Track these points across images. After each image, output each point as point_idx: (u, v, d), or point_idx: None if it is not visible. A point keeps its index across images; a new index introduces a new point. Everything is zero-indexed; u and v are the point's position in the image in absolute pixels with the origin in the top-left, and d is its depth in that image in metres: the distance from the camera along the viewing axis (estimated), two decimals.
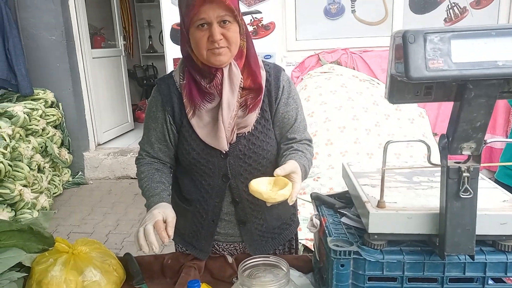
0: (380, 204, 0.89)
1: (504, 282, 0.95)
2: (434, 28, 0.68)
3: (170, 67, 3.67)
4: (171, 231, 1.03)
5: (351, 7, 3.60)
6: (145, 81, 6.47)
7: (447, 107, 3.65)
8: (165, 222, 1.05)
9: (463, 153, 0.78)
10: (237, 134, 1.18)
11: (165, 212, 1.08)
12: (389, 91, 0.76)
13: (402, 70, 0.69)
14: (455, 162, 0.81)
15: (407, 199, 0.93)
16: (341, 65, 3.54)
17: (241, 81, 1.14)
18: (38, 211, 3.15)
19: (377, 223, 0.88)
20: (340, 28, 3.63)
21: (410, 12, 3.57)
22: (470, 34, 0.68)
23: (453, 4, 3.53)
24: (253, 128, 1.19)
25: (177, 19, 3.59)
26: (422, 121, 3.32)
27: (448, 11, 3.55)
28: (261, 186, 1.01)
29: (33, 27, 3.80)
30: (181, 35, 1.17)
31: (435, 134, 3.43)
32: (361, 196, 0.95)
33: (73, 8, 3.92)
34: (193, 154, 1.19)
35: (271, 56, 3.59)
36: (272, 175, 1.27)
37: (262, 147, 1.20)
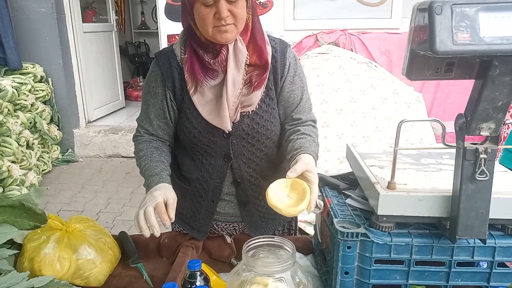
0: (390, 186, 0.86)
1: (507, 266, 0.93)
2: None
3: (164, 44, 3.57)
4: (172, 213, 1.00)
5: None
6: (136, 58, 6.34)
7: (443, 91, 3.62)
8: (165, 203, 1.01)
9: (481, 133, 0.75)
10: (241, 113, 1.12)
11: (166, 193, 1.04)
12: (407, 66, 0.72)
13: (425, 43, 0.65)
14: (472, 143, 0.78)
15: (417, 181, 0.90)
16: (339, 47, 3.49)
17: (247, 58, 1.08)
18: (26, 187, 3.09)
19: (387, 205, 0.85)
20: (339, 8, 3.57)
21: None
22: (500, 6, 0.64)
23: None
24: (257, 107, 1.13)
25: None
26: (419, 106, 3.29)
27: None
28: (278, 196, 0.96)
29: None
30: (182, 6, 1.10)
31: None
32: (369, 177, 0.92)
33: None
34: (194, 132, 1.14)
35: None
36: (275, 158, 1.23)
37: (266, 127, 1.15)
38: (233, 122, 1.13)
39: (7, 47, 3.47)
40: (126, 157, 4.00)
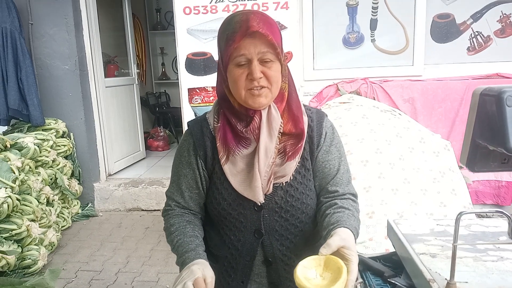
0: (450, 287, 0.74)
1: None
2: None
3: (184, 97, 3.58)
4: None
5: (371, 36, 3.51)
6: (157, 108, 6.41)
7: None
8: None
9: None
10: (273, 184, 1.05)
11: (204, 270, 0.95)
12: (469, 158, 0.63)
13: (492, 137, 0.56)
14: None
15: (478, 277, 0.78)
16: (361, 95, 3.43)
17: (281, 126, 1.03)
18: (45, 246, 3.02)
19: None
20: (360, 57, 3.53)
21: (432, 41, 3.47)
22: None
23: (476, 33, 3.42)
24: (291, 178, 1.06)
25: (192, 49, 3.54)
26: (448, 154, 3.16)
27: (471, 40, 3.44)
28: (309, 276, 0.85)
29: (47, 56, 3.76)
30: (218, 74, 1.08)
31: (460, 167, 3.27)
32: (422, 271, 0.80)
33: (87, 37, 3.88)
34: (224, 204, 1.07)
35: None
36: (311, 236, 1.13)
37: (302, 200, 1.07)
38: (265, 194, 1.05)
39: (31, 104, 3.52)
40: (146, 210, 3.92)
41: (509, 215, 0.72)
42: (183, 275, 0.94)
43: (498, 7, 3.36)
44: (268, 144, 1.03)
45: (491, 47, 3.43)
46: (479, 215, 2.92)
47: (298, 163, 1.07)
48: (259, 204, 1.06)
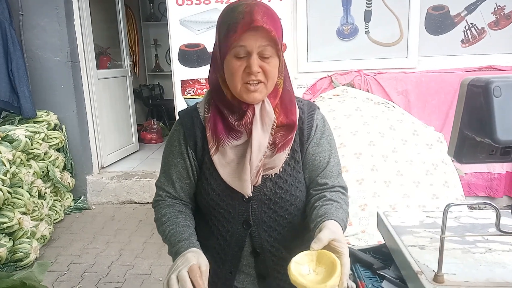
0: (437, 279, 0.74)
1: None
2: None
3: (177, 88, 3.55)
4: (206, 281, 0.88)
5: (365, 28, 3.49)
6: (151, 101, 6.37)
7: None
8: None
9: None
10: (263, 175, 1.04)
11: (199, 258, 0.94)
12: (457, 149, 0.62)
13: (480, 128, 0.55)
14: None
15: (466, 269, 0.78)
16: (355, 87, 3.41)
17: (274, 121, 1.02)
18: (37, 240, 3.00)
19: None
20: (354, 49, 3.51)
21: (426, 33, 3.46)
22: None
23: (470, 25, 3.41)
24: (281, 169, 1.05)
25: (185, 40, 3.50)
26: (441, 147, 3.16)
27: (465, 32, 3.43)
28: (303, 272, 0.84)
29: (38, 48, 3.71)
30: (212, 63, 1.06)
31: (453, 160, 3.28)
32: (410, 263, 0.80)
33: (79, 29, 3.83)
34: (212, 195, 1.07)
35: None
36: (300, 228, 1.12)
37: (290, 192, 1.06)
38: (254, 186, 1.05)
39: (22, 96, 3.48)
40: (139, 203, 3.91)
41: (497, 207, 0.71)
42: (178, 263, 0.92)
43: None
44: (261, 139, 1.02)
45: (485, 39, 3.43)
46: (471, 207, 2.93)
47: (288, 155, 1.06)
48: (248, 196, 1.05)
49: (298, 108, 1.08)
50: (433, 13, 3.42)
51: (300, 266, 0.85)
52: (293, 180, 1.07)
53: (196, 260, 0.92)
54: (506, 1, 3.35)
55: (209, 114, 1.06)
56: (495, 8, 3.37)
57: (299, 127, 1.07)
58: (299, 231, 1.13)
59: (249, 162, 1.01)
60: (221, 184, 1.06)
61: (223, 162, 1.05)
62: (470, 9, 3.39)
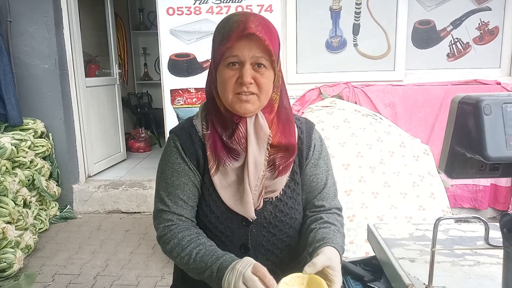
0: None
1: None
2: (507, 95, 0.56)
3: (166, 97, 3.55)
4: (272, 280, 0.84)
5: (353, 41, 3.55)
6: (139, 109, 6.34)
7: None
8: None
9: None
10: (263, 199, 1.02)
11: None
12: (447, 165, 0.63)
13: (470, 145, 0.57)
14: None
15: (456, 282, 0.80)
16: (343, 99, 3.45)
17: (270, 137, 0.98)
18: (21, 249, 2.94)
19: None
20: (342, 61, 3.57)
21: (413, 46, 3.53)
22: None
23: (456, 40, 3.49)
24: (281, 192, 1.03)
25: (175, 49, 3.51)
26: (427, 158, 3.21)
27: (451, 46, 3.51)
28: None
29: (26, 55, 3.68)
30: (208, 74, 1.03)
31: (439, 172, 3.33)
32: (401, 276, 0.81)
33: (67, 36, 3.81)
34: (211, 217, 1.03)
35: None
36: (296, 250, 1.11)
37: (291, 214, 1.04)
38: (255, 209, 1.02)
39: (8, 103, 3.44)
40: (126, 212, 3.87)
41: (486, 221, 0.73)
42: (237, 268, 0.86)
43: (477, 15, 3.45)
44: (257, 156, 0.99)
45: (470, 54, 3.51)
46: (458, 220, 2.97)
47: (288, 177, 1.04)
48: (249, 220, 1.02)
49: (297, 127, 1.06)
50: (420, 28, 3.50)
51: (289, 287, 0.85)
52: (293, 203, 1.05)
53: (253, 261, 0.87)
54: (490, 17, 3.44)
55: (208, 131, 1.02)
56: (479, 23, 3.46)
57: (298, 147, 1.04)
58: (296, 253, 1.11)
59: (248, 183, 0.98)
60: (221, 206, 1.02)
61: (224, 184, 1.01)
62: (456, 24, 3.47)
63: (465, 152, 0.59)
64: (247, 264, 0.86)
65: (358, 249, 2.54)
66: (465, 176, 0.65)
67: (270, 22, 0.99)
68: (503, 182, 3.47)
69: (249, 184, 0.98)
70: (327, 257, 0.87)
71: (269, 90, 0.97)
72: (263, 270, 0.84)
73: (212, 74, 1.01)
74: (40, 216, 3.50)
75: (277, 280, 1.06)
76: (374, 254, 1.05)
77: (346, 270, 1.03)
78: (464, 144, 0.58)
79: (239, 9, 3.39)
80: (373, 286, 0.95)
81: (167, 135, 3.70)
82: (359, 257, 1.09)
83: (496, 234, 0.94)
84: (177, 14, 3.46)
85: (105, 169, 4.50)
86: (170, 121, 3.50)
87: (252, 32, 0.91)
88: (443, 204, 2.94)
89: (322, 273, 0.86)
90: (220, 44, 0.95)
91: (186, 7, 3.44)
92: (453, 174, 0.65)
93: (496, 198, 3.50)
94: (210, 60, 1.02)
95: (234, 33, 0.92)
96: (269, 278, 0.83)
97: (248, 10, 3.39)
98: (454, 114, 0.61)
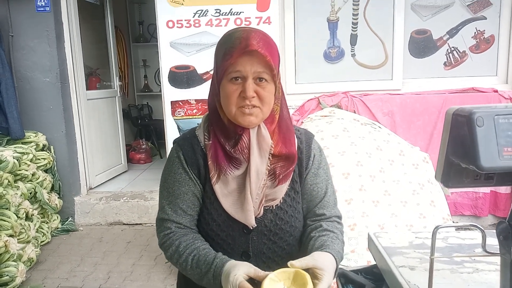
0: None
1: None
2: (502, 107, 0.59)
3: (167, 109, 3.58)
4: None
5: (351, 51, 3.59)
6: (139, 121, 6.37)
7: None
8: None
9: None
10: (264, 207, 1.05)
11: (241, 264, 0.95)
12: (443, 174, 0.66)
13: (465, 156, 0.59)
14: None
15: None
16: (342, 109, 3.48)
17: (272, 147, 1.02)
18: (23, 263, 2.95)
19: None
20: (340, 71, 3.61)
21: (410, 56, 3.57)
22: None
23: (452, 48, 3.53)
24: (281, 200, 1.06)
25: (175, 62, 3.55)
26: (427, 166, 3.23)
27: (447, 55, 3.55)
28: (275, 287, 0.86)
29: (27, 69, 3.72)
30: (211, 86, 1.07)
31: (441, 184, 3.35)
32: (401, 284, 0.83)
33: (69, 50, 3.86)
34: (213, 225, 1.06)
35: None
36: (296, 257, 1.13)
37: (291, 223, 1.07)
38: (255, 217, 1.05)
39: (10, 117, 3.47)
40: (127, 224, 3.88)
41: (483, 229, 0.75)
42: (228, 270, 0.92)
43: (473, 23, 3.49)
44: (259, 165, 1.02)
45: (467, 62, 3.55)
46: (457, 228, 2.98)
47: (288, 185, 1.07)
48: (250, 227, 1.05)
49: (296, 137, 1.09)
50: (417, 37, 3.54)
51: (274, 282, 0.87)
52: (293, 211, 1.08)
53: (241, 265, 0.93)
54: (486, 26, 3.49)
55: (210, 142, 1.05)
56: (475, 32, 3.50)
57: (298, 157, 1.07)
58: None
59: (249, 191, 1.01)
60: (222, 214, 1.05)
61: (225, 192, 1.04)
62: (452, 33, 3.52)
63: (460, 162, 0.61)
64: (236, 266, 0.92)
65: (359, 257, 2.55)
66: (461, 185, 0.67)
67: (270, 37, 1.03)
68: (503, 189, 3.49)
69: (251, 193, 1.01)
70: (313, 258, 0.91)
71: (271, 102, 1.01)
72: (255, 270, 0.91)
73: (215, 87, 1.04)
74: (42, 228, 3.51)
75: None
76: (375, 263, 1.07)
77: (347, 279, 1.04)
78: (459, 154, 0.61)
79: (238, 21, 3.43)
80: None
81: (167, 146, 3.73)
82: (361, 266, 1.11)
83: (495, 242, 0.96)
84: (177, 27, 3.51)
85: (106, 181, 4.52)
86: (171, 132, 3.52)
87: (254, 49, 0.95)
88: (443, 211, 2.95)
89: (311, 272, 0.89)
90: (223, 60, 0.98)
91: (185, 20, 3.49)
92: (449, 183, 0.67)
93: (496, 205, 3.51)
94: (210, 72, 1.06)
95: (237, 50, 0.95)
96: (261, 275, 0.89)
97: (247, 23, 3.44)
98: (449, 126, 0.64)
